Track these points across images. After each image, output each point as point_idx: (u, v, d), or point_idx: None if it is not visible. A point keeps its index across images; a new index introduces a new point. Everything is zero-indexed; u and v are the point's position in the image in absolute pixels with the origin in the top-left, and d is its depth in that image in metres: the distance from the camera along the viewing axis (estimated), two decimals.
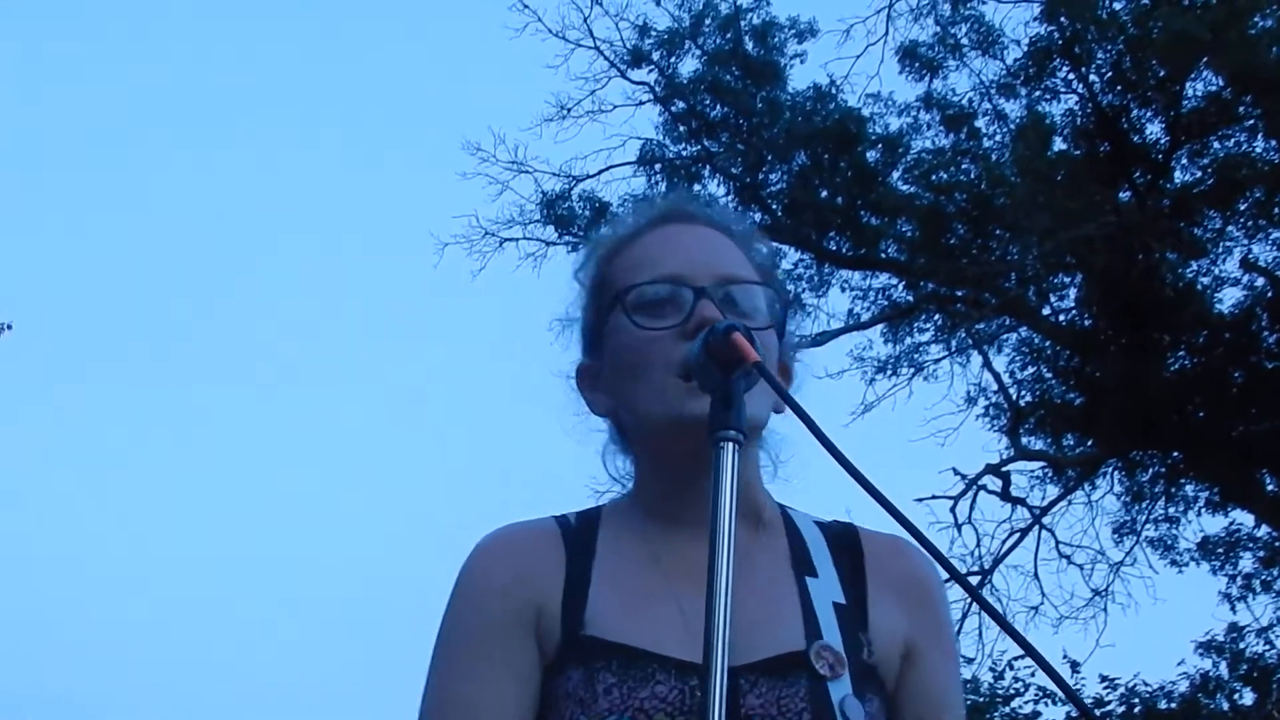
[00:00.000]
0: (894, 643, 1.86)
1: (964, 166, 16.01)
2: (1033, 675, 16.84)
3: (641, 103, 16.70)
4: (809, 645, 1.78)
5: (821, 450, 1.58)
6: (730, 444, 1.62)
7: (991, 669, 16.81)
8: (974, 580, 15.52)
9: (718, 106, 16.61)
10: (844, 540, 1.95)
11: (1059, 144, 15.87)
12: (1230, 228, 15.28)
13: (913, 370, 16.45)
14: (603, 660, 1.76)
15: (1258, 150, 15.15)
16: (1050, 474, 16.51)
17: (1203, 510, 16.15)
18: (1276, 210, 15.07)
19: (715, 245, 1.94)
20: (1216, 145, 15.24)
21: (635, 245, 1.97)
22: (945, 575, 1.74)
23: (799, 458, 1.97)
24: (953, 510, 15.88)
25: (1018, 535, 16.22)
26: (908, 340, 16.56)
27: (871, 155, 16.16)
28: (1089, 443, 16.50)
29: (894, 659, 1.86)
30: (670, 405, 1.81)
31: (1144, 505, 16.34)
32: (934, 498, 15.83)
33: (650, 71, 16.68)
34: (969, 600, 15.54)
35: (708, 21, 16.47)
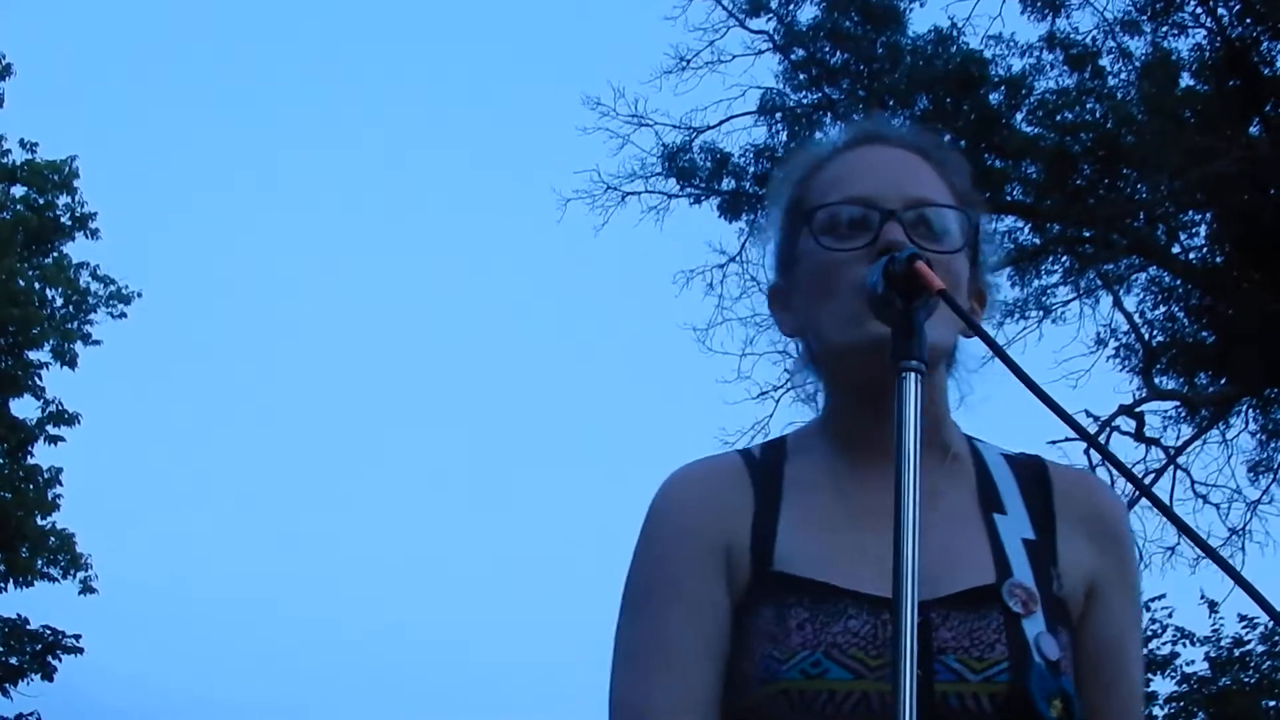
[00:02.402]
0: (1080, 578, 1.87)
1: (1089, 106, 16.02)
2: (1170, 616, 16.95)
3: (761, 52, 16.92)
4: (1000, 582, 1.80)
5: (1005, 380, 1.60)
6: (913, 374, 1.62)
7: None
8: None
9: (837, 53, 16.74)
10: (1032, 475, 1.95)
11: (1186, 80, 15.91)
12: None
13: (1041, 313, 16.57)
14: (794, 596, 1.78)
15: None
16: (1184, 413, 16.57)
17: None
18: None
19: (908, 166, 1.93)
20: None
21: (828, 166, 1.97)
22: (1135, 493, 1.86)
23: (985, 388, 2.00)
24: (1086, 453, 16.01)
25: (1152, 476, 16.27)
26: (1035, 283, 16.67)
27: (994, 98, 16.24)
28: (1222, 381, 16.56)
29: (1079, 594, 1.87)
30: (851, 327, 1.81)
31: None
32: (1067, 440, 15.93)
33: (769, 20, 16.88)
34: None
35: None
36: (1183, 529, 1.74)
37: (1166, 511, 1.76)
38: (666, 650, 1.82)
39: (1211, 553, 1.65)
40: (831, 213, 1.88)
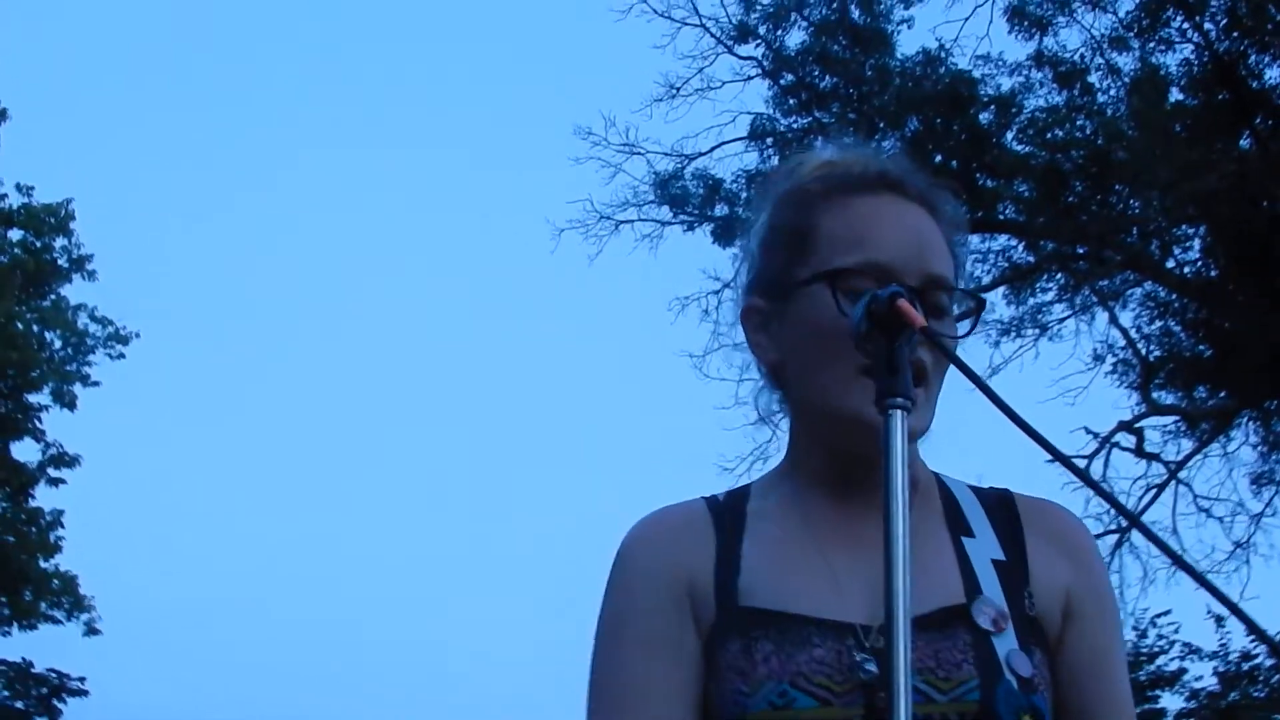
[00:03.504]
0: (1056, 596, 1.87)
1: (1079, 123, 16.23)
2: (1176, 632, 17.02)
3: (750, 78, 17.12)
4: (970, 601, 1.80)
5: (975, 416, 1.66)
6: (899, 411, 1.62)
7: (1134, 627, 16.94)
8: (1113, 539, 15.78)
9: (827, 77, 16.95)
10: (999, 503, 1.96)
11: (1176, 95, 16.03)
12: None
13: (1037, 331, 16.75)
14: (760, 628, 1.79)
15: None
16: (1184, 428, 16.69)
17: None
18: None
19: (926, 235, 1.92)
20: None
21: (845, 208, 1.94)
22: (1123, 521, 1.91)
23: (946, 425, 1.96)
24: (1086, 469, 16.10)
25: (1154, 491, 16.45)
26: (1030, 301, 16.89)
27: (984, 117, 16.45)
28: (1221, 394, 16.67)
29: (1055, 613, 1.87)
30: (851, 402, 1.81)
31: None
32: (1073, 456, 16.03)
33: (757, 46, 17.08)
34: (1108, 559, 15.87)
35: None
36: (1174, 559, 1.76)
37: (1157, 542, 1.73)
38: (637, 693, 1.84)
39: (1204, 582, 1.65)
40: (851, 278, 1.85)
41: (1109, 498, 1.89)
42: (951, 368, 1.78)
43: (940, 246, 1.93)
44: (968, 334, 1.91)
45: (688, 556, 1.90)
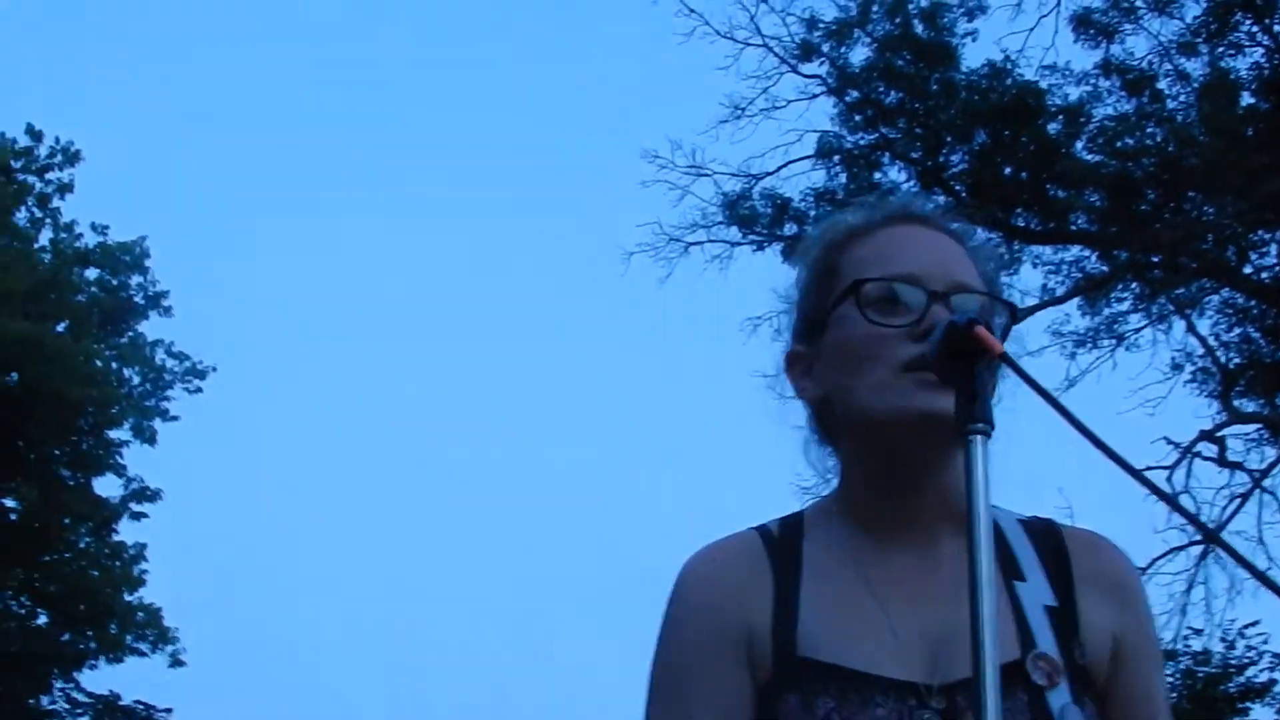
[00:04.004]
0: (1104, 642, 1.86)
1: (1149, 130, 16.14)
2: (1265, 643, 16.86)
3: (815, 96, 17.12)
4: (1024, 655, 1.78)
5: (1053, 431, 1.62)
6: (979, 437, 1.62)
7: (1222, 639, 16.83)
8: (1196, 550, 15.67)
9: (892, 93, 16.95)
10: (1047, 538, 1.94)
11: (1246, 99, 15.94)
12: None
13: (1114, 341, 16.69)
14: (820, 684, 1.77)
15: None
16: (1266, 435, 16.51)
17: None
18: None
19: (949, 251, 1.93)
20: None
21: (869, 239, 1.96)
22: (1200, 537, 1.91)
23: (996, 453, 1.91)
24: (1169, 480, 15.93)
25: (1238, 500, 16.26)
26: (1106, 311, 16.82)
27: (1053, 127, 16.39)
28: None
29: (1104, 659, 1.85)
30: (893, 398, 1.80)
31: None
32: (1148, 469, 15.93)
33: (821, 64, 17.10)
34: (1193, 570, 15.78)
35: (875, 8, 16.81)
36: (1256, 575, 1.83)
37: (1236, 557, 1.75)
38: None
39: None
40: (880, 287, 1.87)
41: (1185, 513, 1.93)
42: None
43: (966, 263, 1.93)
44: (1001, 339, 1.85)
45: (745, 600, 1.87)
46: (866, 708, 1.74)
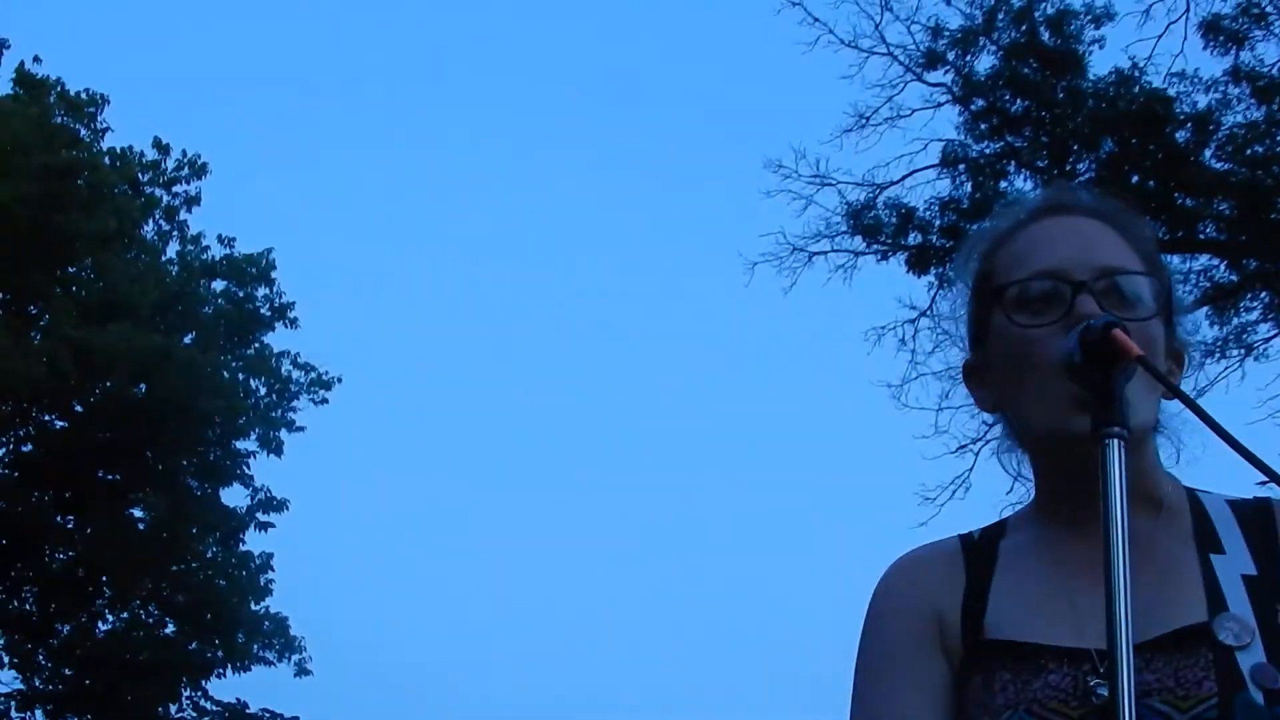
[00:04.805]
0: None
1: (1279, 138, 16.12)
2: None
3: (940, 104, 17.17)
4: (1212, 617, 1.79)
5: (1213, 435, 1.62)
6: (1115, 440, 1.64)
7: None
8: None
9: (1018, 101, 16.96)
10: (1257, 514, 1.94)
11: None
12: None
13: (1242, 351, 16.57)
14: (999, 660, 1.84)
15: None
16: None
17: None
18: None
19: (1094, 236, 1.93)
20: None
21: (1014, 240, 1.98)
22: None
23: (1197, 442, 1.98)
24: None
25: None
26: (1235, 321, 16.72)
27: (1181, 135, 16.31)
28: None
29: None
30: (1053, 417, 1.83)
31: None
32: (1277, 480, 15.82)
33: (946, 72, 17.16)
34: None
35: (1001, 16, 16.81)
36: None
37: None
38: None
39: None
40: (1022, 288, 1.89)
41: None
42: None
43: (1113, 242, 1.93)
44: (1152, 316, 1.88)
45: (939, 592, 1.95)
46: (1040, 675, 1.80)
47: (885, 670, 1.94)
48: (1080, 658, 1.79)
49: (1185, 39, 16.21)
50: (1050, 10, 16.79)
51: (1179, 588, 1.83)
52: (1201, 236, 16.48)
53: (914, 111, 17.11)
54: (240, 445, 22.88)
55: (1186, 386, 1.93)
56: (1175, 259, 16.54)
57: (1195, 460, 2.01)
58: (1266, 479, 1.60)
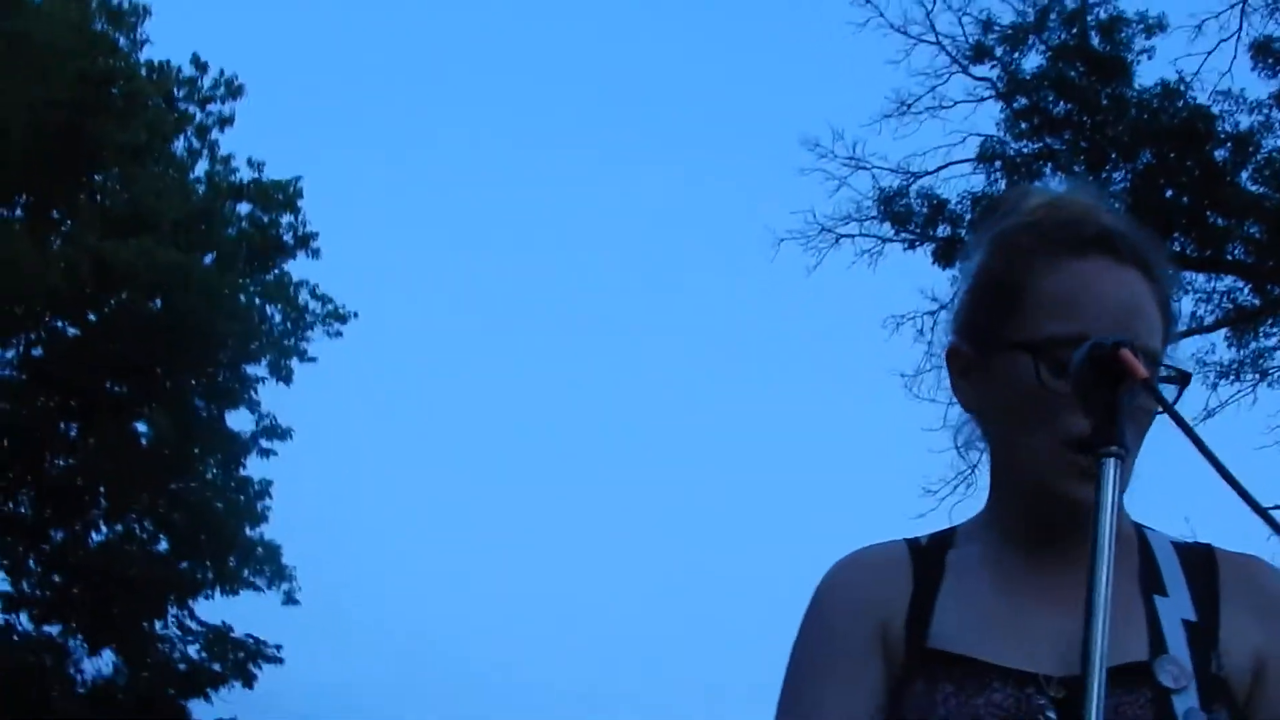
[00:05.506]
0: (1246, 656, 1.86)
1: None
2: None
3: (983, 99, 17.29)
4: (1154, 658, 1.81)
5: (1187, 466, 1.61)
6: (1113, 459, 1.63)
7: None
8: None
9: (1061, 103, 17.08)
10: (1199, 560, 1.95)
11: None
12: None
13: (1257, 376, 16.76)
14: (944, 671, 1.84)
15: None
16: None
17: None
18: None
19: (1138, 304, 1.89)
20: None
21: (1056, 270, 1.91)
22: None
23: (1149, 475, 1.95)
24: None
25: None
26: (1253, 345, 16.88)
27: (1220, 154, 16.45)
28: None
29: (1246, 673, 1.86)
30: (1053, 479, 1.84)
31: None
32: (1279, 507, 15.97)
33: (992, 67, 17.27)
34: None
35: (1053, 16, 16.97)
36: None
37: None
38: None
39: None
40: (1054, 347, 1.84)
41: None
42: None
43: (1153, 315, 1.91)
44: (1172, 404, 1.79)
45: (885, 597, 1.94)
46: (984, 692, 1.80)
47: (824, 670, 1.93)
48: (1026, 680, 1.80)
49: (1235, 58, 16.39)
50: (1103, 15, 16.91)
51: (1125, 624, 1.82)
52: (1229, 257, 16.59)
53: (956, 104, 17.28)
54: (250, 370, 23.02)
55: (1196, 406, 1.92)
56: (1200, 277, 16.66)
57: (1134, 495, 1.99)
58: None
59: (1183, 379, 1.93)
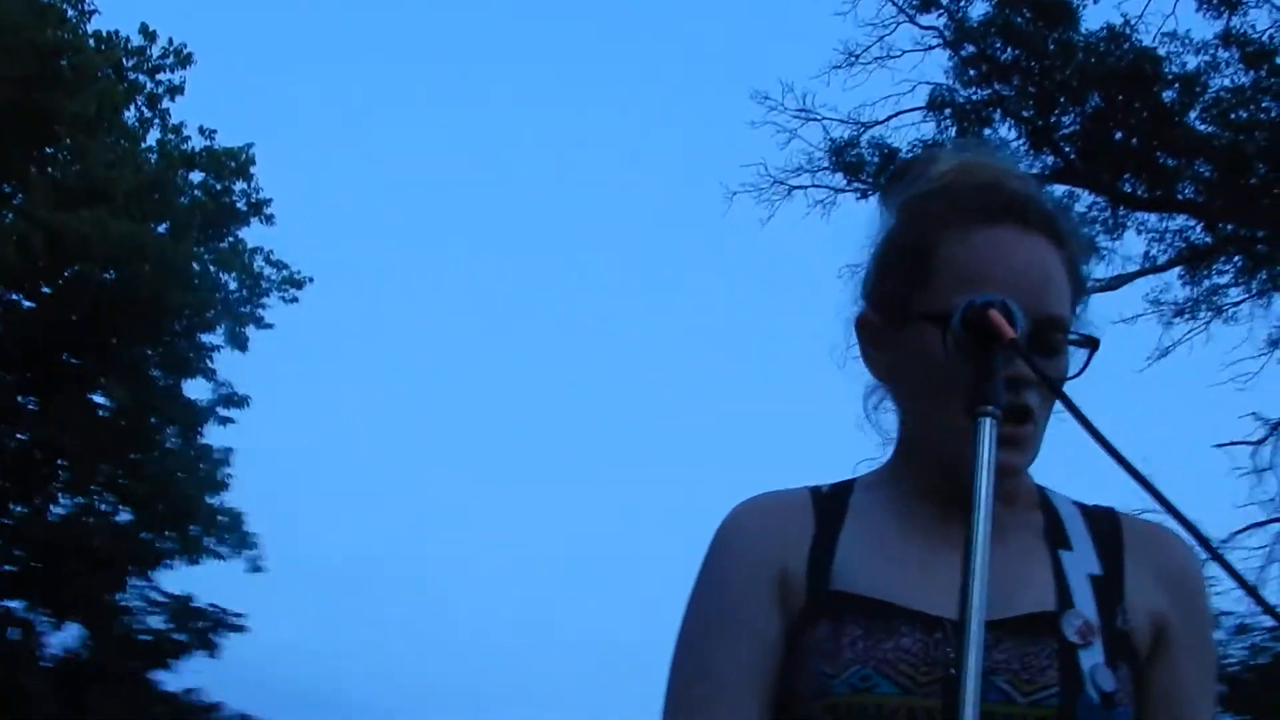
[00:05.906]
0: (1148, 618, 1.90)
1: (1265, 104, 16.37)
2: None
3: (930, 48, 17.34)
4: (1060, 611, 1.84)
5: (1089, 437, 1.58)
6: (989, 419, 1.64)
7: None
8: (1275, 528, 15.95)
9: (1008, 49, 17.15)
10: (1103, 520, 1.99)
11: None
12: None
13: (1211, 313, 17.00)
14: (850, 614, 1.83)
15: None
16: None
17: None
18: None
19: (1046, 271, 1.89)
20: None
21: (964, 239, 1.90)
22: (1205, 554, 1.75)
23: (1062, 440, 1.92)
24: (1253, 456, 16.25)
25: None
26: (1206, 283, 17.11)
27: (1168, 95, 16.59)
28: None
29: (1146, 633, 1.89)
30: (965, 450, 1.70)
31: None
32: (1233, 444, 16.25)
33: (939, 15, 17.34)
34: (1271, 546, 16.10)
35: None
36: (1260, 603, 1.83)
37: (1241, 581, 1.70)
38: (714, 681, 1.88)
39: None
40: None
41: (1188, 525, 1.67)
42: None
43: (1060, 282, 1.91)
44: (1079, 374, 1.90)
45: (784, 541, 1.92)
46: (892, 636, 1.81)
47: (719, 622, 1.91)
48: (934, 625, 1.81)
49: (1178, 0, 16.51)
50: None
51: (1030, 576, 1.87)
52: (1180, 197, 16.78)
53: (904, 53, 17.32)
54: (206, 339, 23.10)
55: (1150, 344, 1.91)
56: (1153, 217, 16.88)
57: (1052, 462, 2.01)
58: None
59: (1091, 343, 1.92)
